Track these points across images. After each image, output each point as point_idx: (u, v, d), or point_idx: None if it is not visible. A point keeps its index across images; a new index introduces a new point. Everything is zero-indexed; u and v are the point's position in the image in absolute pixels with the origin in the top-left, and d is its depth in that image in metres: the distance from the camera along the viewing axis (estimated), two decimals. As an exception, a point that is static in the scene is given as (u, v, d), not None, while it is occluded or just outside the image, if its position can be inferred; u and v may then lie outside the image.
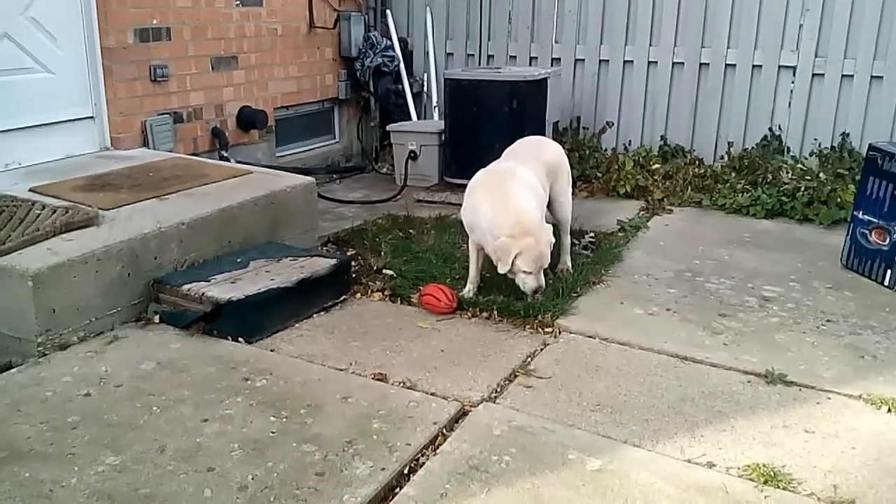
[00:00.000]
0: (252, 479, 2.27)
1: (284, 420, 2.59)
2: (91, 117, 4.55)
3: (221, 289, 3.28)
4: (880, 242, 3.97)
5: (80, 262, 3.12)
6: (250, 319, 3.22)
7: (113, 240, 3.28)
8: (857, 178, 4.29)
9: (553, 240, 3.50)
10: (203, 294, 3.24)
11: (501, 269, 3.41)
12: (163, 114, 4.80)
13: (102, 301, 3.21)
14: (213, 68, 5.15)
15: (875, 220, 4.00)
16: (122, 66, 4.54)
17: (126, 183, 3.95)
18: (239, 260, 3.61)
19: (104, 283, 3.21)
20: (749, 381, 2.95)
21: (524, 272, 3.40)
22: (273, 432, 2.52)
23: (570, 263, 4.01)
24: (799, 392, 2.88)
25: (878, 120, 5.43)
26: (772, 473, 2.36)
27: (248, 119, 5.39)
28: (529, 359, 3.11)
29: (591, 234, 4.54)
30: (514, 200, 3.48)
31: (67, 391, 2.75)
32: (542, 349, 3.19)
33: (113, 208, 3.57)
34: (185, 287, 3.30)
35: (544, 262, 3.44)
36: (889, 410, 2.75)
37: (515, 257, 3.36)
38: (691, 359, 3.12)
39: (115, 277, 3.25)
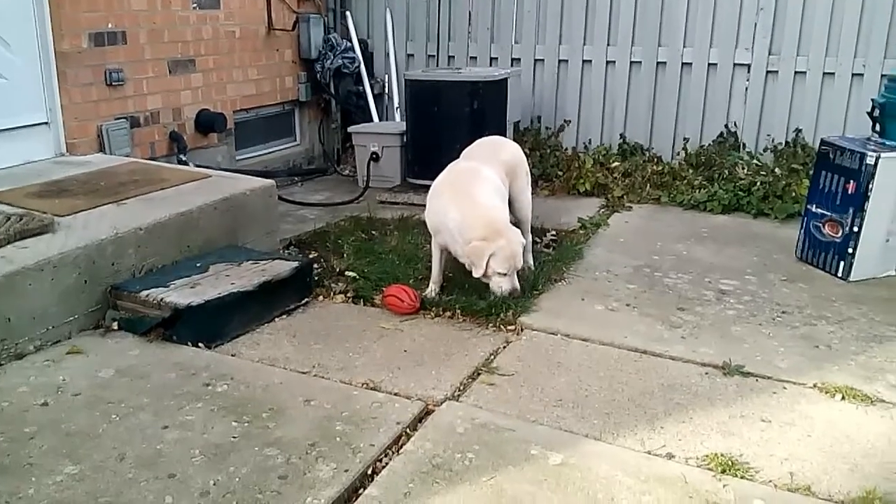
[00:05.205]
0: (214, 484, 2.26)
1: (246, 424, 2.58)
2: (46, 123, 4.47)
3: (180, 294, 3.25)
4: (833, 235, 4.06)
5: (36, 270, 3.07)
6: (210, 324, 3.19)
7: (69, 247, 3.24)
8: (811, 172, 4.38)
9: (524, 241, 3.53)
10: (162, 300, 3.20)
11: (476, 273, 3.42)
12: (119, 118, 4.74)
13: (59, 309, 3.16)
14: (170, 72, 5.09)
15: (828, 213, 4.09)
16: (77, 70, 4.47)
17: (82, 189, 3.89)
18: (199, 264, 3.58)
19: (60, 291, 3.16)
20: (707, 373, 3.00)
21: (499, 274, 3.41)
22: (235, 437, 2.50)
23: (531, 262, 4.04)
24: (755, 382, 2.94)
25: (831, 115, 5.55)
26: (730, 462, 2.41)
27: (207, 122, 5.35)
28: (492, 357, 3.13)
29: (553, 232, 4.58)
30: (482, 202, 3.51)
31: (24, 401, 2.70)
32: (504, 347, 3.22)
33: (69, 215, 3.52)
34: (144, 293, 3.26)
35: (518, 263, 3.46)
36: (843, 398, 2.82)
37: (489, 260, 3.38)
38: (651, 352, 3.17)
39: (72, 285, 3.21)
